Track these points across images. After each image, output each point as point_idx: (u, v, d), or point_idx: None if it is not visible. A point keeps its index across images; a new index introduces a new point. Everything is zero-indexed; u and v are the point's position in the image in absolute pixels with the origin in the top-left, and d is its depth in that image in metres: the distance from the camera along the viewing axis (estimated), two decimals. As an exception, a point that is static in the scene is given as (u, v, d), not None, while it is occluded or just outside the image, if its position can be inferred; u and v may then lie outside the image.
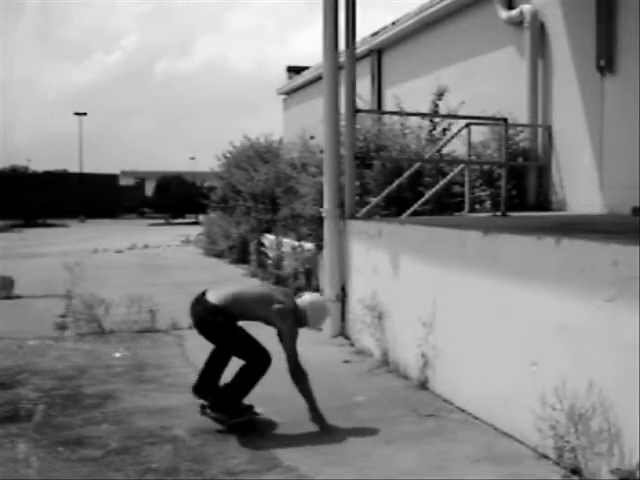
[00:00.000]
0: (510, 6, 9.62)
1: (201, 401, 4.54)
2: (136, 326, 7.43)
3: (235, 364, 4.49)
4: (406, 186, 8.73)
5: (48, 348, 6.65)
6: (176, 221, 35.74)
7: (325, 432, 4.37)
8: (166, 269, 13.50)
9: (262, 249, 12.69)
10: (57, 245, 19.33)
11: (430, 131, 9.60)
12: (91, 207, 38.66)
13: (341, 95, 7.12)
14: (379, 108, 13.36)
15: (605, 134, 7.98)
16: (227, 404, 4.43)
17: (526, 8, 9.15)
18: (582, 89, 8.32)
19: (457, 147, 9.05)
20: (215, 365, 4.58)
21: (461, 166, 8.46)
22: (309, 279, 9.92)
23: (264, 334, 4.50)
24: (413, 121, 9.72)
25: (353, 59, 7.25)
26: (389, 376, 5.69)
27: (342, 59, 7.17)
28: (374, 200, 7.98)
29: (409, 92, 11.21)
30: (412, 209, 7.98)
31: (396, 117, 9.80)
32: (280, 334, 4.46)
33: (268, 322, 4.46)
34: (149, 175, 46.79)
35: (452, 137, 8.85)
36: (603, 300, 3.48)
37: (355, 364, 6.08)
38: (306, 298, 4.58)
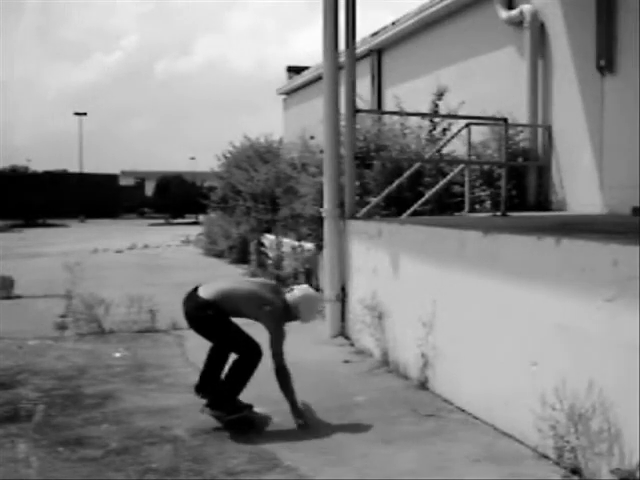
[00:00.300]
0: (510, 6, 9.62)
1: (204, 400, 4.55)
2: (136, 326, 7.43)
3: (235, 364, 4.49)
4: (406, 186, 8.73)
5: (48, 348, 6.65)
6: (176, 221, 35.75)
7: (304, 428, 4.40)
8: (166, 269, 13.49)
9: (262, 249, 12.70)
10: (57, 245, 19.33)
11: (430, 131, 9.60)
12: (91, 207, 38.66)
13: (341, 95, 7.12)
14: (379, 108, 13.35)
15: (605, 134, 7.98)
16: (223, 401, 4.45)
17: (526, 8, 9.15)
18: (582, 89, 8.32)
19: (457, 147, 9.05)
20: (215, 363, 4.60)
21: (461, 166, 8.45)
22: (309, 279, 9.92)
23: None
24: (413, 121, 9.72)
25: (353, 59, 7.25)
26: (389, 376, 5.69)
27: (342, 59, 7.17)
28: (374, 200, 7.98)
29: (409, 92, 11.20)
30: (412, 209, 7.98)
31: (396, 117, 9.80)
32: (268, 331, 4.49)
33: (257, 320, 4.50)
34: (149, 175, 46.79)
35: (452, 137, 8.84)
36: (603, 300, 3.48)
37: (355, 364, 6.08)
38: (296, 293, 4.61)
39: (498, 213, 8.02)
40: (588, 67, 8.13)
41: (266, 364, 5.49)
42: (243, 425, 4.43)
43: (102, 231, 27.20)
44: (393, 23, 12.96)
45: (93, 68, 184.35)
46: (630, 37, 7.56)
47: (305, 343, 6.72)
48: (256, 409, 4.63)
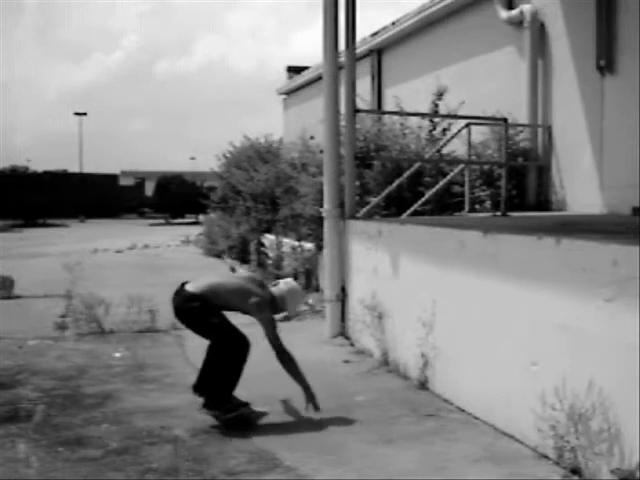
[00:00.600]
0: (510, 6, 9.62)
1: (201, 399, 4.57)
2: (136, 326, 7.43)
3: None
4: (406, 186, 8.73)
5: (48, 348, 6.65)
6: (176, 221, 35.74)
7: (318, 410, 4.51)
8: (166, 269, 13.49)
9: (262, 249, 12.71)
10: (57, 245, 19.34)
11: (430, 131, 9.60)
12: (91, 207, 38.66)
13: (341, 95, 7.12)
14: (379, 108, 13.36)
15: (605, 134, 7.98)
16: (220, 399, 4.48)
17: (526, 8, 9.15)
18: (582, 89, 8.32)
19: (457, 147, 9.05)
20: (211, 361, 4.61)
21: (461, 166, 8.46)
22: (309, 279, 9.93)
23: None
24: (413, 121, 9.72)
25: (353, 59, 7.25)
26: (389, 376, 5.69)
27: (342, 59, 7.17)
28: (374, 200, 7.98)
29: (409, 92, 11.21)
30: (412, 209, 7.98)
31: (396, 117, 9.80)
32: (260, 322, 4.56)
33: (245, 312, 4.58)
34: (149, 175, 46.73)
35: (452, 137, 8.84)
36: (603, 300, 3.48)
37: (355, 364, 6.07)
38: (282, 286, 4.74)
39: (498, 213, 8.02)
40: (588, 67, 8.13)
41: (266, 364, 5.49)
42: (240, 423, 4.45)
43: (102, 231, 27.21)
44: (393, 23, 12.96)
45: (93, 68, 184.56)
46: (630, 37, 7.56)
47: (305, 343, 6.72)
48: (256, 409, 4.64)
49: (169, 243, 20.07)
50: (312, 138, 12.56)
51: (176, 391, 5.19)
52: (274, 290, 4.70)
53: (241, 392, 4.73)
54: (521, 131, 9.17)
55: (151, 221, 36.26)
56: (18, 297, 9.62)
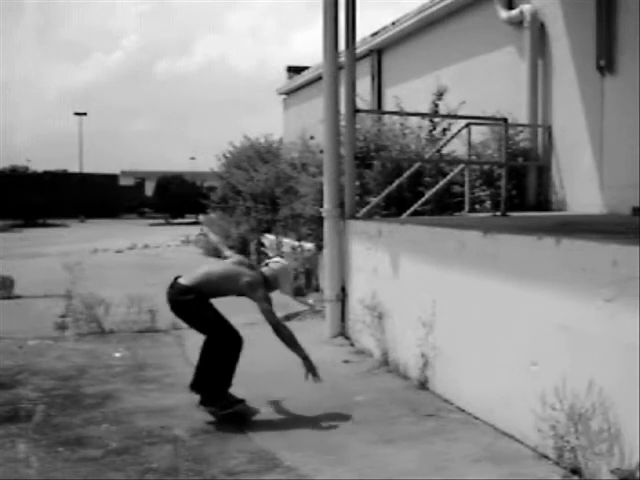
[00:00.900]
0: (510, 6, 9.61)
1: (198, 397, 4.63)
2: (136, 326, 7.43)
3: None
4: (406, 186, 8.73)
5: (48, 348, 6.65)
6: (176, 221, 35.73)
7: (319, 380, 4.63)
8: (166, 269, 13.45)
9: (262, 249, 12.70)
10: (57, 245, 19.33)
11: (430, 131, 9.60)
12: (91, 207, 38.64)
13: (341, 95, 7.12)
14: (379, 108, 13.35)
15: (605, 134, 7.98)
16: (215, 396, 4.55)
17: (526, 8, 9.15)
18: (582, 89, 8.32)
19: (457, 147, 9.05)
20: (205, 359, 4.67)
21: (461, 166, 8.45)
22: (309, 279, 9.93)
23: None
24: (413, 121, 9.72)
25: (353, 59, 7.25)
26: (389, 376, 5.69)
27: (342, 59, 7.17)
28: (374, 200, 7.98)
29: (409, 92, 11.21)
30: (412, 209, 7.98)
31: (396, 117, 9.80)
32: (255, 301, 4.65)
33: (240, 294, 4.67)
34: (149, 175, 46.73)
35: (452, 137, 8.84)
36: (603, 300, 3.48)
37: (355, 364, 6.07)
38: (273, 265, 4.87)
39: (498, 213, 8.02)
40: (588, 67, 8.13)
41: (265, 364, 5.51)
42: (236, 419, 4.51)
43: (102, 231, 27.20)
44: (393, 23, 12.96)
45: (93, 68, 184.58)
46: (630, 37, 7.55)
47: (305, 343, 6.68)
48: (250, 406, 4.66)
49: (169, 243, 20.06)
50: (312, 138, 12.56)
51: (176, 391, 5.19)
52: (265, 270, 4.82)
53: (241, 391, 4.73)
54: (521, 131, 9.17)
55: (151, 221, 36.25)
56: (18, 297, 9.61)
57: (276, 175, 13.17)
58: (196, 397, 4.64)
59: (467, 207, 8.35)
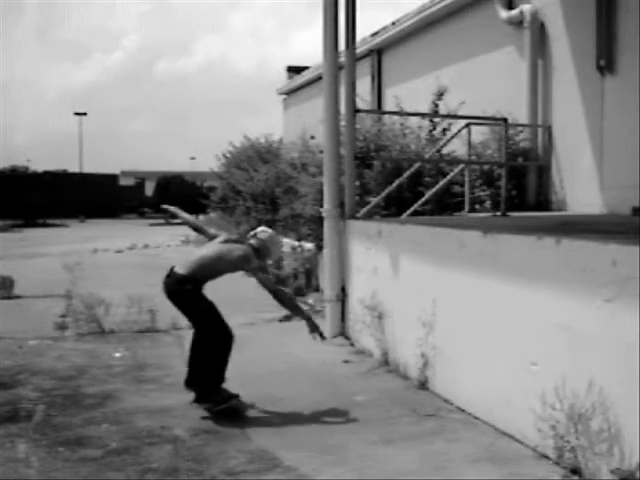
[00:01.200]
0: (510, 6, 9.62)
1: (193, 394, 4.71)
2: (136, 326, 7.43)
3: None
4: (406, 186, 8.73)
5: (48, 348, 6.65)
6: (176, 221, 35.56)
7: (324, 339, 4.81)
8: (166, 269, 13.47)
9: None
10: (57, 245, 19.32)
11: (430, 131, 9.61)
12: (91, 207, 38.60)
13: (341, 95, 7.12)
14: (379, 108, 13.35)
15: (605, 134, 7.98)
16: (208, 392, 4.61)
17: (526, 8, 9.15)
18: (582, 89, 8.32)
19: (457, 147, 9.05)
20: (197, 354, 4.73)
21: (461, 166, 8.46)
22: (309, 279, 9.93)
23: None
24: (413, 121, 9.72)
25: (353, 59, 7.25)
26: (389, 376, 5.69)
27: (342, 59, 7.17)
28: (374, 200, 7.98)
29: (409, 92, 11.21)
30: (412, 209, 7.98)
31: (396, 117, 9.80)
32: (252, 273, 4.76)
33: (237, 268, 4.78)
34: (149, 175, 46.72)
35: (452, 137, 8.84)
36: (603, 300, 3.48)
37: (355, 364, 6.07)
38: (261, 236, 4.96)
39: (498, 213, 8.02)
40: (588, 67, 8.13)
41: (265, 364, 5.51)
42: (231, 413, 4.57)
43: (102, 231, 27.19)
44: (393, 23, 12.96)
45: (93, 68, 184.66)
46: (630, 37, 7.56)
47: (305, 343, 6.71)
48: (257, 409, 4.65)
49: (169, 243, 20.04)
50: (312, 138, 12.56)
51: (176, 391, 5.18)
52: (253, 242, 4.91)
53: (241, 392, 4.74)
54: (521, 131, 9.17)
55: (151, 221, 36.23)
56: (18, 297, 9.61)
57: (276, 175, 13.17)
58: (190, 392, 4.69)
59: (467, 207, 8.35)
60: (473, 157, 8.83)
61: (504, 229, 4.72)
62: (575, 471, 3.63)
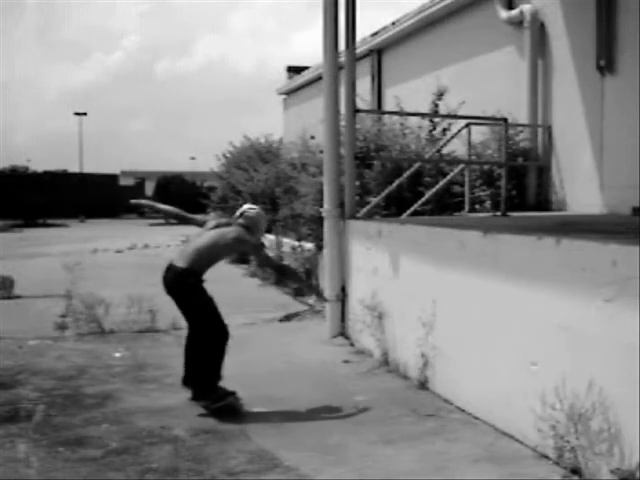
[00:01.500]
0: (510, 6, 9.62)
1: (190, 392, 4.76)
2: (136, 326, 7.43)
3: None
4: (406, 186, 8.73)
5: (48, 348, 6.65)
6: (172, 221, 35.60)
7: (326, 300, 5.01)
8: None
9: (262, 249, 12.67)
10: (57, 245, 19.32)
11: (430, 131, 9.60)
12: (91, 207, 38.59)
13: (341, 95, 7.12)
14: (379, 108, 13.35)
15: (605, 134, 7.98)
16: (205, 390, 4.65)
17: (526, 8, 9.15)
18: (582, 89, 8.32)
19: (457, 147, 9.05)
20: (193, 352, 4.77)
21: (461, 166, 8.45)
22: (309, 279, 9.92)
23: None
24: (413, 121, 9.72)
25: (353, 59, 7.25)
26: (389, 376, 5.69)
27: (342, 59, 7.17)
28: (374, 200, 7.98)
29: (409, 92, 11.21)
30: (412, 209, 7.98)
31: (396, 117, 9.80)
32: (249, 253, 4.76)
33: (233, 252, 4.85)
34: (149, 175, 46.73)
35: (452, 137, 8.84)
36: (603, 300, 3.48)
37: (355, 364, 6.07)
38: (249, 213, 4.96)
39: (498, 213, 8.02)
40: (588, 67, 8.13)
41: (265, 364, 5.51)
42: (228, 411, 4.60)
43: (102, 231, 27.19)
44: (393, 23, 12.96)
45: (93, 68, 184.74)
46: (630, 37, 7.56)
47: (305, 343, 6.73)
48: (257, 409, 4.66)
49: (169, 243, 20.04)
50: (312, 138, 12.56)
51: (176, 391, 5.18)
52: (243, 221, 4.91)
53: (241, 392, 4.75)
54: (521, 131, 9.17)
55: (151, 221, 36.23)
56: (18, 297, 9.61)
57: (276, 175, 13.17)
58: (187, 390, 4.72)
59: (467, 207, 8.35)
60: (473, 157, 8.83)
61: (504, 229, 4.72)
62: (575, 471, 3.63)
